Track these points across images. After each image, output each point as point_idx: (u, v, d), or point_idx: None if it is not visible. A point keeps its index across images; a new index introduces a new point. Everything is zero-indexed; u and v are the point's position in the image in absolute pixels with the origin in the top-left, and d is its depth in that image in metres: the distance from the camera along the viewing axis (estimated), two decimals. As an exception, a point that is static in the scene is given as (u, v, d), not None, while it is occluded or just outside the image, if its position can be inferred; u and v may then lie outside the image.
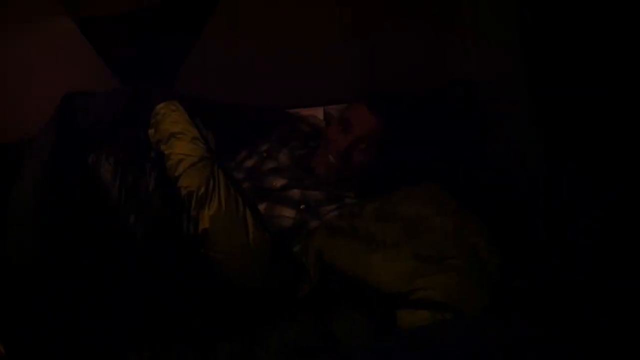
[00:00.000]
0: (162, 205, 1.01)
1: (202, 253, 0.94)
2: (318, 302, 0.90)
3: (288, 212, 1.05)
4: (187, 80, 1.25)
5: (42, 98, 1.10)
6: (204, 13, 1.24)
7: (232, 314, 0.92)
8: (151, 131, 1.08)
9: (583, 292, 0.85)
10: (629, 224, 0.86)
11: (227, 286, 0.93)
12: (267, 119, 1.29)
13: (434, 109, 1.28)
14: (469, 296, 0.83)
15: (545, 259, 0.94)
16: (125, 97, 1.16)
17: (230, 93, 1.24)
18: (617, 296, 0.80)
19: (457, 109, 1.28)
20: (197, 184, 0.96)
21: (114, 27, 1.28)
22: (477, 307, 0.82)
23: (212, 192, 0.95)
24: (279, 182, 1.10)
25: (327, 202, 1.09)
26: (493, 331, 0.75)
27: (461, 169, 1.13)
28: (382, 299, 0.84)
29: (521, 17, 1.05)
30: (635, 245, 0.84)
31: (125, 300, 0.89)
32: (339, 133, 1.14)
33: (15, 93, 1.27)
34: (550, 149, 1.03)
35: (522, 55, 1.05)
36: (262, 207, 1.05)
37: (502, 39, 1.15)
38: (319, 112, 1.35)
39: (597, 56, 0.95)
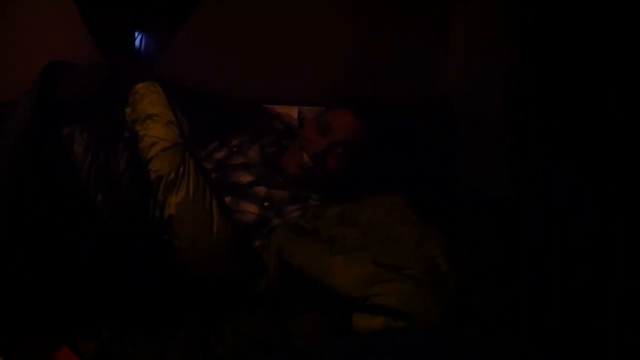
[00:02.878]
0: (131, 186, 1.00)
1: (166, 239, 0.93)
2: (277, 298, 0.90)
3: (252, 208, 1.05)
4: (166, 64, 1.24)
5: (26, 65, 1.08)
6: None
7: (192, 304, 0.92)
8: (128, 110, 1.06)
9: (578, 297, 0.86)
10: (624, 229, 0.87)
11: (187, 275, 0.93)
12: (241, 112, 1.28)
13: (410, 121, 1.28)
14: (426, 306, 0.84)
15: (540, 264, 0.94)
16: (107, 73, 1.14)
17: (208, 82, 1.23)
18: (613, 301, 0.81)
19: (433, 123, 1.29)
20: (168, 169, 0.95)
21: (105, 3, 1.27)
22: (432, 318, 0.83)
23: (181, 179, 0.94)
24: (245, 178, 1.10)
25: (291, 202, 1.09)
26: (448, 342, 0.76)
27: (428, 183, 1.14)
28: (339, 301, 0.85)
29: (511, 36, 1.05)
30: (631, 250, 0.85)
31: (83, 281, 0.87)
32: (317, 134, 1.13)
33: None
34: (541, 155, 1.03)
35: (506, 73, 1.05)
36: (226, 200, 1.04)
37: (488, 58, 1.16)
38: (293, 111, 1.34)
39: (588, 75, 0.95)
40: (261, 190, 1.08)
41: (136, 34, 1.26)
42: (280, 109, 1.34)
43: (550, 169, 0.99)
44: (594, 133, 0.92)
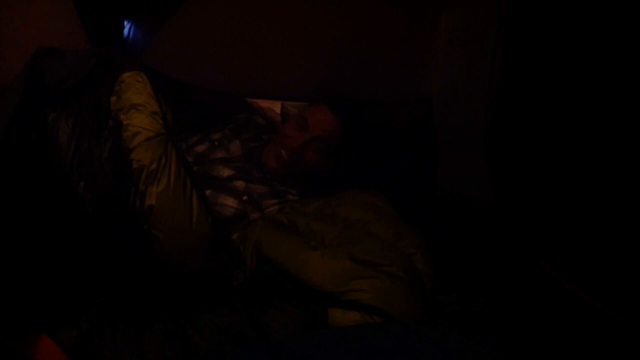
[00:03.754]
0: (112, 175, 1.00)
1: (145, 230, 0.93)
2: (254, 292, 0.91)
3: (230, 202, 1.05)
4: (154, 54, 1.24)
5: (16, 50, 1.08)
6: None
7: (170, 295, 0.92)
8: (113, 98, 1.06)
9: (554, 299, 0.87)
10: (605, 235, 0.88)
11: (166, 266, 0.93)
12: (224, 105, 1.28)
13: (391, 121, 1.29)
14: (401, 304, 0.85)
15: (517, 266, 0.95)
16: (94, 60, 1.14)
17: (194, 73, 1.23)
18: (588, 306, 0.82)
19: (414, 124, 1.29)
20: (150, 159, 0.95)
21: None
22: (408, 315, 0.84)
23: (162, 169, 0.94)
24: (225, 172, 1.10)
25: (269, 196, 1.10)
26: (423, 337, 0.76)
27: (407, 183, 1.15)
28: (315, 296, 0.85)
29: (498, 42, 1.05)
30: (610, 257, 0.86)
31: (62, 271, 0.87)
32: (295, 130, 1.15)
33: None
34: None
35: (490, 78, 1.05)
36: (206, 193, 1.04)
37: (473, 62, 1.16)
38: (276, 106, 1.34)
39: (571, 82, 0.96)
40: (240, 184, 1.08)
41: (125, 23, 1.26)
42: (263, 103, 1.33)
43: (530, 173, 1.00)
44: (575, 138, 0.93)
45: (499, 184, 1.02)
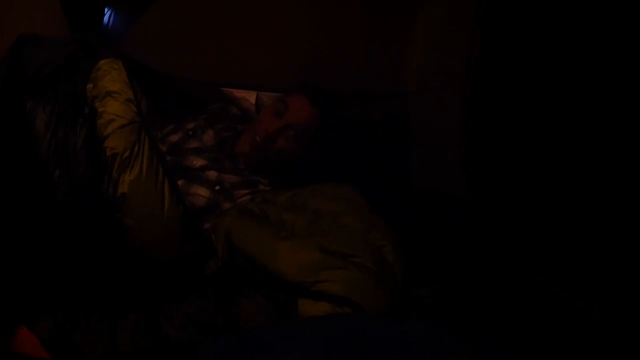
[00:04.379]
0: (87, 163, 0.99)
1: (118, 218, 0.93)
2: (225, 281, 0.90)
3: (203, 192, 1.05)
4: (132, 42, 1.23)
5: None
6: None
7: (142, 285, 0.92)
8: (89, 86, 1.05)
9: (529, 294, 0.88)
10: (579, 228, 0.88)
11: (138, 255, 0.92)
12: (201, 95, 1.28)
13: (367, 115, 1.28)
14: (370, 295, 0.85)
15: (493, 261, 0.95)
16: (71, 47, 1.13)
17: (172, 62, 1.22)
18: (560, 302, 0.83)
19: (389, 118, 1.28)
20: (123, 147, 0.94)
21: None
22: (377, 306, 0.84)
23: (135, 157, 0.93)
24: (198, 162, 1.11)
25: (241, 186, 1.10)
26: (391, 328, 0.76)
27: (380, 176, 1.14)
28: (285, 286, 0.85)
29: (475, 40, 1.05)
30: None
31: (37, 259, 0.87)
32: (271, 116, 1.14)
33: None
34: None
35: (466, 74, 1.05)
36: (179, 183, 1.04)
37: (450, 58, 1.16)
38: (252, 97, 1.33)
39: (546, 79, 0.96)
40: (212, 174, 1.08)
41: (106, 10, 1.25)
42: (239, 93, 1.32)
43: (505, 167, 0.99)
44: (550, 133, 0.93)
45: (474, 178, 1.02)
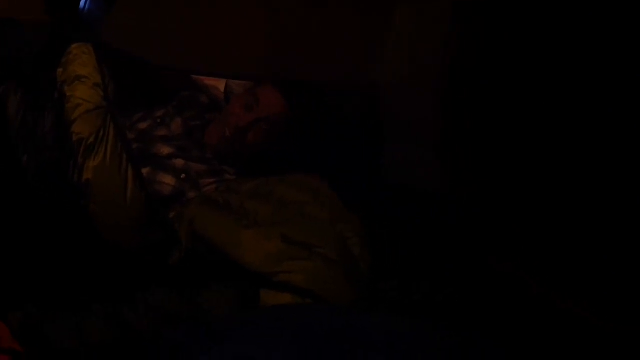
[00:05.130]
0: (54, 148, 0.98)
1: (82, 204, 0.91)
2: (188, 271, 0.89)
3: (168, 180, 1.05)
4: (107, 28, 1.21)
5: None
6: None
7: (107, 274, 0.90)
8: (60, 70, 1.04)
9: (500, 289, 0.87)
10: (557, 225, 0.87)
11: (103, 243, 0.91)
12: (171, 82, 1.27)
13: (339, 109, 1.26)
14: (335, 287, 0.84)
15: (467, 257, 0.93)
16: (48, 32, 1.12)
17: (145, 48, 1.19)
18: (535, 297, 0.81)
19: (361, 111, 1.26)
20: (89, 132, 0.93)
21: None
22: (341, 299, 0.83)
23: (100, 143, 0.92)
24: (165, 150, 1.10)
25: (207, 175, 1.09)
26: (356, 320, 0.74)
27: (350, 169, 1.13)
28: (247, 276, 0.84)
29: (453, 34, 1.03)
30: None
31: (8, 250, 0.87)
32: (241, 108, 1.12)
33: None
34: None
35: (443, 67, 1.03)
36: (145, 171, 1.03)
37: (425, 51, 1.13)
38: (221, 84, 1.31)
39: (522, 74, 0.95)
40: (179, 162, 1.07)
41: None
42: (209, 81, 1.30)
43: (480, 163, 0.98)
44: (528, 129, 0.91)
45: (450, 174, 1.00)
